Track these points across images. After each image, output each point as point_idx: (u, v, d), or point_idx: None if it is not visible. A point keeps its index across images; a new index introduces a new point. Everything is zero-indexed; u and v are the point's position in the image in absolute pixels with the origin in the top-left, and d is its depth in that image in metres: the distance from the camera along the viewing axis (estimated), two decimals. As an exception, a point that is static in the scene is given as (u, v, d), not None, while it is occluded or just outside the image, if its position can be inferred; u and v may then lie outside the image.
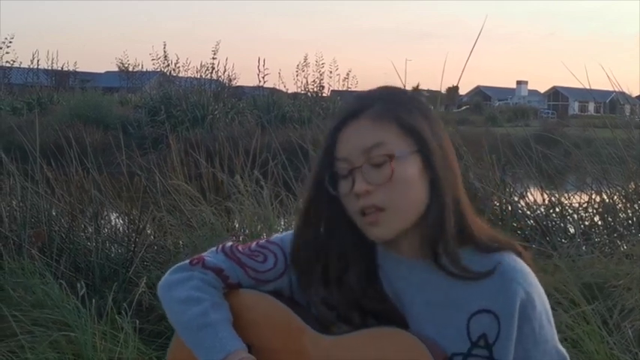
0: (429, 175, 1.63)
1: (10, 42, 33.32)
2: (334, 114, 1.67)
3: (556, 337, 1.69)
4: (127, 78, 38.16)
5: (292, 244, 1.77)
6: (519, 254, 1.69)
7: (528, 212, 6.01)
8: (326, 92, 27.38)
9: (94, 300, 4.27)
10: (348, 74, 29.30)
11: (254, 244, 1.83)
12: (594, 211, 6.23)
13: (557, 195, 6.29)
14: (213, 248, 1.85)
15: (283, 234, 1.84)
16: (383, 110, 1.64)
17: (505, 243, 1.69)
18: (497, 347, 1.62)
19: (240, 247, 1.83)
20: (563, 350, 1.69)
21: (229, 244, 1.85)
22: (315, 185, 1.69)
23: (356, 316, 1.67)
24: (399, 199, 1.61)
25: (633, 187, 6.16)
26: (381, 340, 1.63)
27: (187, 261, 1.82)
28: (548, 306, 1.68)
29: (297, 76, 27.15)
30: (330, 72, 27.89)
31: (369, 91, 1.71)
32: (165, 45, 27.15)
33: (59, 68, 36.23)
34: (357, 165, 1.62)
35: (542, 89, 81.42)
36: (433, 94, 8.27)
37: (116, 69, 39.11)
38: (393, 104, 1.65)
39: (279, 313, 1.75)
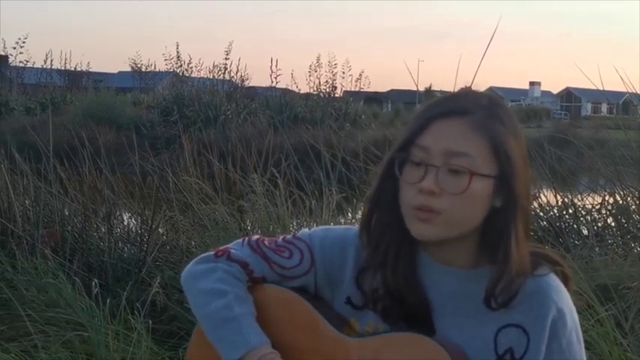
0: (498, 201, 1.60)
1: (24, 42, 33.32)
2: (432, 102, 1.67)
3: (584, 356, 1.68)
4: (139, 78, 38.11)
5: (364, 214, 1.73)
6: (559, 272, 1.68)
7: (541, 213, 5.99)
8: (339, 93, 27.33)
9: (107, 300, 4.28)
10: (360, 75, 29.14)
11: (280, 238, 1.80)
12: (607, 212, 6.22)
13: (570, 196, 6.27)
14: (239, 240, 1.83)
15: (311, 230, 1.81)
16: (483, 122, 1.59)
17: (543, 258, 1.68)
18: None
19: (266, 242, 1.80)
20: None
21: (255, 237, 1.83)
22: (388, 165, 1.65)
23: (395, 309, 1.66)
24: (458, 212, 1.58)
25: (647, 188, 6.14)
26: (403, 346, 1.63)
27: (212, 252, 1.80)
28: (578, 325, 1.68)
29: (309, 76, 27.12)
30: (343, 72, 27.83)
31: (474, 95, 1.65)
32: (178, 45, 27.35)
33: (72, 68, 36.26)
34: (435, 163, 1.58)
35: (555, 90, 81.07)
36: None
37: (129, 69, 39.06)
38: (494, 119, 1.60)
39: (302, 311, 1.73)
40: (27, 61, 34.08)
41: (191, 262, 1.82)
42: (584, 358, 1.68)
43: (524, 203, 1.61)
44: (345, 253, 1.75)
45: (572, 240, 5.61)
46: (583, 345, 1.68)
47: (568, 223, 6.04)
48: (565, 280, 1.68)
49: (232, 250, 1.79)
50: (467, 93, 1.67)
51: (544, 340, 1.61)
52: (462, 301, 1.65)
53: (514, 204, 1.59)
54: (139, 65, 37.20)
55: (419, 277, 1.67)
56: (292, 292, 1.76)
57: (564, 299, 1.65)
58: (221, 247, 1.81)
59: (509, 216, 1.59)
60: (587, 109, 66.90)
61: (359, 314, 1.73)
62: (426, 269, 1.68)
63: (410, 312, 1.66)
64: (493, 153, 1.58)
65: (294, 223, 5.60)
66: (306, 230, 1.82)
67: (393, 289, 1.65)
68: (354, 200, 6.25)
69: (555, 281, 1.65)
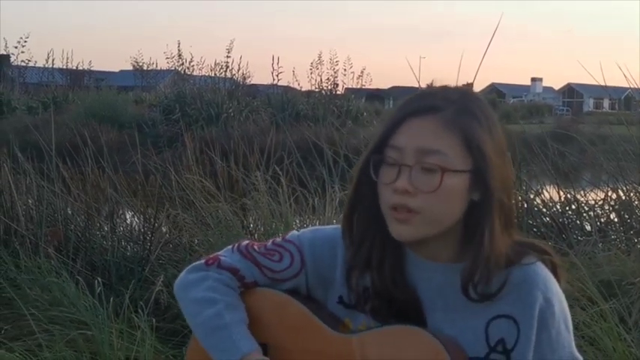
0: (476, 195, 1.60)
1: (26, 41, 33.24)
2: (405, 100, 1.67)
3: (573, 343, 1.69)
4: (141, 77, 38.09)
5: (344, 215, 1.73)
6: (547, 261, 1.68)
7: (544, 209, 5.99)
8: (340, 90, 27.24)
9: (111, 298, 4.28)
10: (362, 72, 29.03)
11: (270, 242, 1.82)
12: (610, 208, 6.21)
13: (573, 192, 6.26)
14: (229, 247, 1.84)
15: (300, 232, 1.82)
16: (454, 118, 1.59)
17: (530, 248, 1.68)
18: (515, 353, 1.62)
19: (256, 246, 1.82)
20: (580, 357, 1.69)
21: (245, 242, 1.84)
22: (364, 166, 1.66)
23: (384, 308, 1.67)
24: (435, 209, 1.58)
25: (650, 183, 6.13)
26: (400, 339, 1.63)
27: (203, 260, 1.82)
28: (567, 313, 1.68)
29: (311, 74, 27.02)
30: (345, 70, 27.71)
31: (445, 91, 1.66)
32: (179, 44, 27.18)
33: (74, 67, 36.17)
34: (408, 163, 1.59)
35: (557, 86, 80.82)
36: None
37: (131, 68, 39.03)
38: (465, 114, 1.60)
39: (295, 312, 1.75)
40: (29, 61, 34.10)
41: (183, 272, 1.83)
42: (573, 345, 1.69)
43: (502, 196, 1.61)
44: (335, 252, 1.76)
45: (575, 236, 5.60)
46: (572, 332, 1.69)
47: (571, 219, 6.04)
48: (554, 269, 1.68)
49: (222, 258, 1.81)
50: (438, 89, 1.68)
51: (534, 329, 1.62)
52: (450, 295, 1.66)
53: (490, 197, 1.60)
54: (141, 64, 37.22)
55: (406, 275, 1.68)
56: (285, 294, 1.77)
57: (553, 288, 1.65)
58: (211, 255, 1.83)
59: (486, 209, 1.60)
60: (589, 104, 66.79)
61: (352, 313, 1.74)
62: (413, 266, 1.69)
63: (400, 310, 1.66)
64: (466, 148, 1.59)
65: (297, 221, 5.61)
66: (295, 232, 1.83)
67: (381, 289, 1.67)
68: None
69: (543, 270, 1.65)
